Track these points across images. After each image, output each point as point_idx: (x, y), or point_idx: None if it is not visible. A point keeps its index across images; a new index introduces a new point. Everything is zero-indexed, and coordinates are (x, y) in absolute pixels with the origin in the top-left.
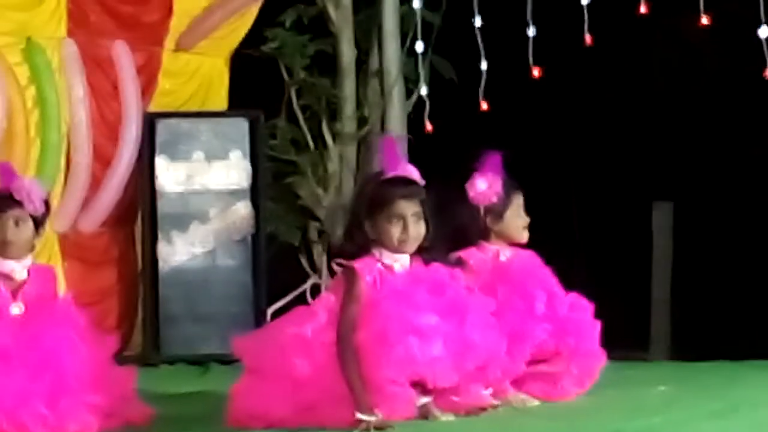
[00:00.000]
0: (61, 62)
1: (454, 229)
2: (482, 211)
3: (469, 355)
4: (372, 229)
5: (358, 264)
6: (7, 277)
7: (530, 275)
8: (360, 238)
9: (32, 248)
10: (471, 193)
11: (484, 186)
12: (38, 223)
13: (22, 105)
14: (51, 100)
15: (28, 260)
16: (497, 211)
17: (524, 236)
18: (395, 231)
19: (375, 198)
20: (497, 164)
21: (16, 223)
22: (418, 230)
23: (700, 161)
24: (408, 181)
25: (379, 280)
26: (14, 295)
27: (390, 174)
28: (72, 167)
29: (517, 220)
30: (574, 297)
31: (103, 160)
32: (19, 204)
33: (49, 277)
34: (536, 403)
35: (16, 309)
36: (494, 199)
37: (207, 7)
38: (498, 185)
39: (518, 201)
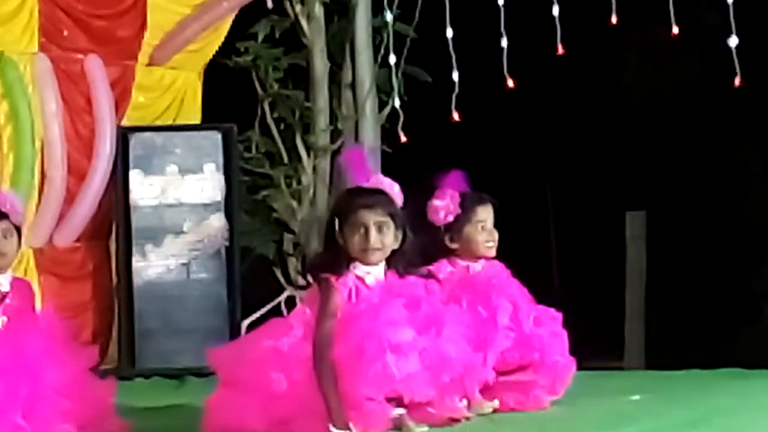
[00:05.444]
0: (33, 77)
1: (420, 246)
2: (441, 230)
3: (445, 369)
4: (342, 241)
5: (332, 276)
6: None
7: (496, 286)
8: (334, 250)
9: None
10: (429, 214)
11: (440, 207)
12: (20, 234)
13: None
14: (24, 115)
15: (9, 273)
16: (455, 230)
17: (488, 251)
18: (357, 240)
19: (339, 209)
20: (457, 182)
21: (5, 236)
22: (381, 240)
23: (672, 171)
24: (372, 191)
25: (354, 293)
26: None
27: (357, 184)
28: (46, 182)
29: (477, 236)
30: (542, 310)
31: (77, 174)
32: (5, 216)
33: (27, 290)
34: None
35: None
36: (450, 219)
37: (180, 21)
38: (454, 205)
39: (480, 216)
